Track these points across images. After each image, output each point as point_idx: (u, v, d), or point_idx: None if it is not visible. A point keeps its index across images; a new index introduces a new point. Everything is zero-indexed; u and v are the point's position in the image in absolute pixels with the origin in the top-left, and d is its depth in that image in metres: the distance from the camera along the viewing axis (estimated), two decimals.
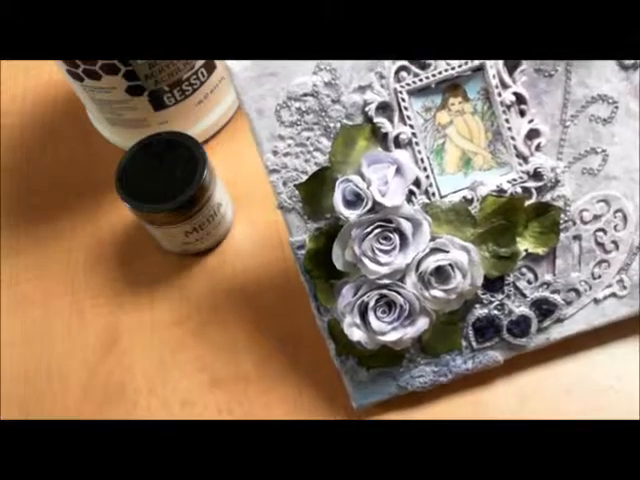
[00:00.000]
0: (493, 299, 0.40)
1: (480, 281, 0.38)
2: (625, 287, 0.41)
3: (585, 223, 0.40)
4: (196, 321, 0.49)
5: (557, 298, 0.40)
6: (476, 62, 0.38)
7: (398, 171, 0.37)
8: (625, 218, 0.40)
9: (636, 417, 0.40)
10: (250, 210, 0.52)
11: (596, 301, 0.41)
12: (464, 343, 0.41)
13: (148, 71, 0.49)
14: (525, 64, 0.38)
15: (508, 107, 0.38)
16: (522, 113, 0.38)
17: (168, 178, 0.46)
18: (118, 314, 0.50)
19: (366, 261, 0.37)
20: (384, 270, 0.37)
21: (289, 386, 0.45)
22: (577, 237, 0.40)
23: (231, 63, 0.38)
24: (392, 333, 0.38)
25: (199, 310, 0.49)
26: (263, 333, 0.47)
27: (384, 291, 0.37)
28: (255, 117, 0.38)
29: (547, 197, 0.39)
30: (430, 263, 0.37)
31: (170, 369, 0.47)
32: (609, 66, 0.38)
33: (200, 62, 0.51)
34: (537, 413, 0.42)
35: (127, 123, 0.53)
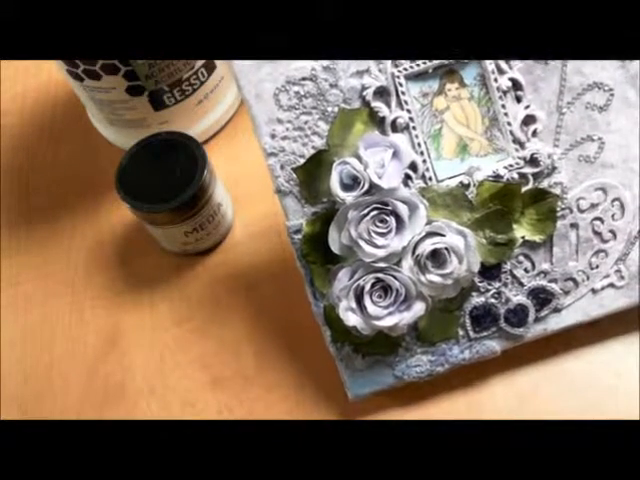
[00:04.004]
0: (490, 287, 0.40)
1: (476, 267, 0.38)
2: (623, 277, 0.41)
3: (582, 211, 0.40)
4: (196, 321, 0.49)
5: (554, 287, 0.40)
6: None
7: (395, 155, 0.37)
8: (623, 207, 0.40)
9: (636, 417, 0.40)
10: (250, 210, 0.52)
11: (594, 291, 0.41)
12: (461, 332, 0.41)
13: (148, 71, 0.49)
14: None
15: (504, 93, 0.38)
16: (518, 99, 0.39)
17: (168, 178, 0.46)
18: (118, 314, 0.50)
19: (362, 244, 0.37)
20: (380, 253, 0.37)
21: (290, 384, 0.45)
22: (574, 225, 0.40)
23: None
24: (388, 318, 0.38)
25: (199, 310, 0.49)
26: (263, 332, 0.47)
27: (380, 275, 0.37)
28: (253, 101, 0.39)
29: (544, 184, 0.39)
30: (426, 246, 0.37)
31: (170, 369, 0.47)
32: None
33: (200, 62, 0.51)
34: (536, 413, 0.41)
35: (127, 123, 0.53)
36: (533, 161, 0.39)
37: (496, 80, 0.38)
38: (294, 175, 0.39)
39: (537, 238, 0.39)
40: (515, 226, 0.39)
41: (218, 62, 0.53)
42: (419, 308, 0.38)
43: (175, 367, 0.47)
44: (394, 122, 0.38)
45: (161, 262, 0.51)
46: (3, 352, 0.50)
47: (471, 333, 0.40)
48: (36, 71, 0.64)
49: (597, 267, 0.40)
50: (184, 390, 0.46)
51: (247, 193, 0.53)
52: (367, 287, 0.38)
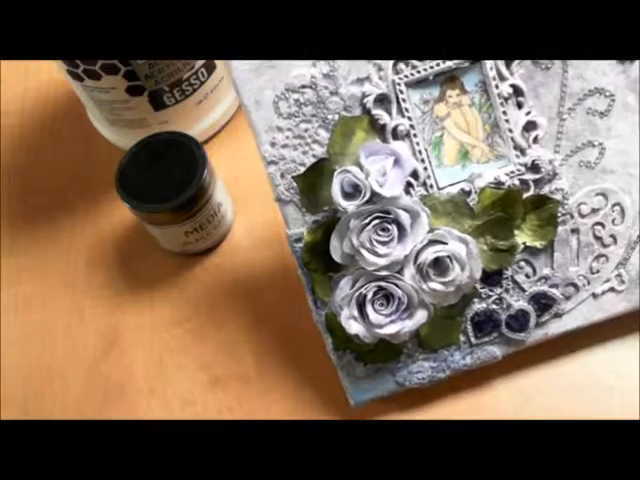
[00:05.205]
0: (492, 293, 0.40)
1: (478, 274, 0.38)
2: (623, 282, 0.41)
3: (583, 217, 0.40)
4: (196, 321, 0.49)
5: (555, 292, 0.40)
6: None
7: (396, 162, 0.37)
8: (623, 212, 0.40)
9: (636, 417, 0.40)
10: (250, 210, 0.52)
11: (594, 296, 0.41)
12: (462, 338, 0.41)
13: (148, 71, 0.49)
14: None
15: (505, 99, 0.38)
16: (519, 105, 0.39)
17: (168, 178, 0.46)
18: (118, 314, 0.50)
19: (364, 252, 0.37)
20: (382, 261, 0.37)
21: (290, 385, 0.45)
22: (575, 231, 0.40)
23: None
24: (390, 326, 0.38)
25: (199, 310, 0.49)
26: (263, 332, 0.47)
27: (382, 283, 0.37)
28: (253, 109, 0.38)
29: (545, 190, 0.39)
30: (428, 254, 0.37)
31: (170, 369, 0.47)
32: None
33: (200, 62, 0.51)
34: (538, 413, 0.41)
35: (127, 123, 0.53)
36: (534, 167, 0.39)
37: (497, 86, 0.38)
38: (294, 183, 0.39)
39: (538, 244, 0.39)
40: (516, 232, 0.39)
41: (218, 62, 0.53)
42: (421, 316, 0.38)
43: (175, 367, 0.47)
44: (395, 130, 0.38)
45: (161, 262, 0.51)
46: (3, 352, 0.50)
47: (472, 339, 0.41)
48: (36, 71, 0.64)
49: (598, 272, 0.40)
50: (184, 390, 0.46)
51: (247, 193, 0.53)
52: (369, 295, 0.37)
